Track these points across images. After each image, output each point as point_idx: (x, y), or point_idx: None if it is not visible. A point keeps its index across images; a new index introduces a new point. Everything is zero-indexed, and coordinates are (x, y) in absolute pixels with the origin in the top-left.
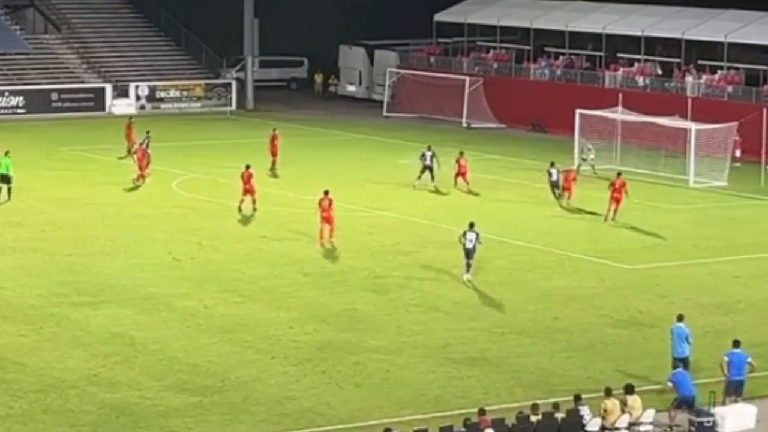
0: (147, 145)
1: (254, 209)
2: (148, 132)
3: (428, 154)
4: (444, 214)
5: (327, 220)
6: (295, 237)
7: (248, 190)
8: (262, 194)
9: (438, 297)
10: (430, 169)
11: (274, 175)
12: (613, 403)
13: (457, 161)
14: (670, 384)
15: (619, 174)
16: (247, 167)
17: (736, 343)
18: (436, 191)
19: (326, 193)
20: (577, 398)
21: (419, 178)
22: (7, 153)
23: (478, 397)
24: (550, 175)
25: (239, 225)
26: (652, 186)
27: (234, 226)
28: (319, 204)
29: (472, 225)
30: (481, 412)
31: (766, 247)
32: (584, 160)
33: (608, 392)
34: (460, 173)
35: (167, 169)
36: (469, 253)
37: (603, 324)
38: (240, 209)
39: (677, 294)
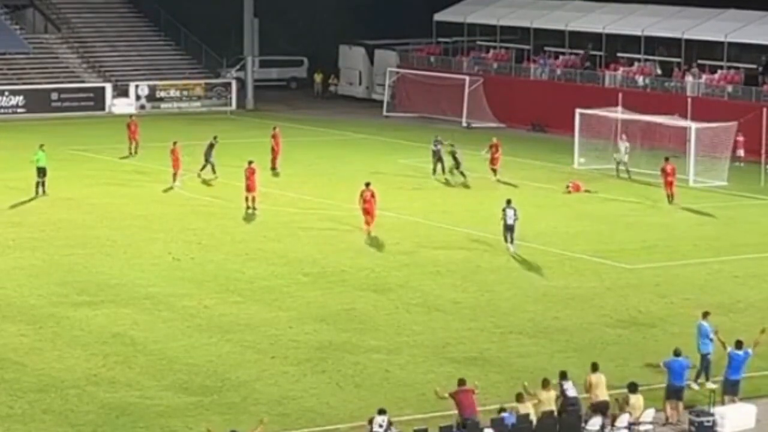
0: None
1: (253, 208)
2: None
3: (437, 144)
4: (443, 214)
5: (367, 211)
6: (295, 237)
7: (249, 188)
8: (262, 194)
9: (438, 297)
10: (441, 159)
11: (275, 175)
12: (597, 378)
13: (491, 146)
14: (662, 367)
15: (667, 159)
16: (250, 163)
17: (739, 344)
18: (447, 183)
19: (367, 185)
20: (563, 376)
21: (434, 171)
22: (41, 146)
23: (478, 396)
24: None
25: (239, 225)
26: (653, 186)
27: (234, 225)
28: (361, 195)
29: (509, 202)
30: (461, 382)
31: (766, 247)
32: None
33: (595, 368)
34: (493, 160)
35: (167, 169)
36: (511, 229)
37: (603, 324)
38: (248, 207)
39: (677, 294)
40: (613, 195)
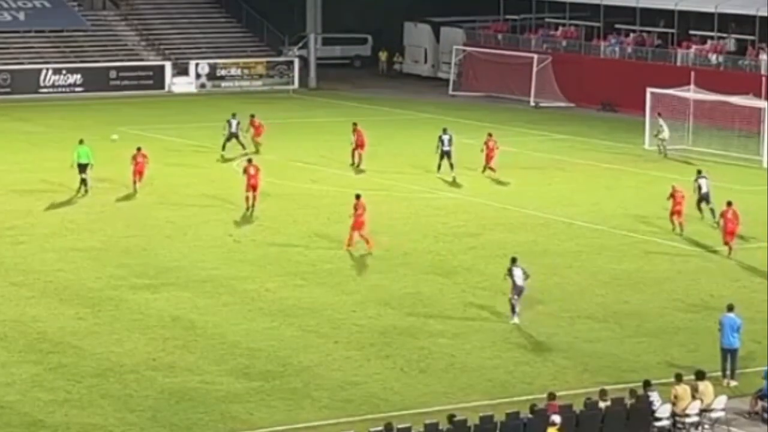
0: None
1: (253, 206)
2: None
3: (446, 138)
4: (510, 196)
5: (358, 225)
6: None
7: (253, 186)
8: (325, 175)
9: (504, 281)
10: (449, 156)
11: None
12: (683, 389)
13: (486, 143)
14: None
15: (729, 204)
16: (249, 161)
17: None
18: (453, 183)
19: (358, 197)
20: (647, 384)
21: (439, 168)
22: (81, 141)
23: (545, 382)
24: (700, 188)
25: (301, 206)
26: (725, 167)
27: (296, 207)
28: (355, 208)
29: (514, 260)
30: (551, 396)
31: None
32: (656, 136)
33: (678, 378)
34: (488, 157)
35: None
36: (519, 290)
37: (674, 308)
38: (248, 207)
39: (749, 277)
40: (683, 176)
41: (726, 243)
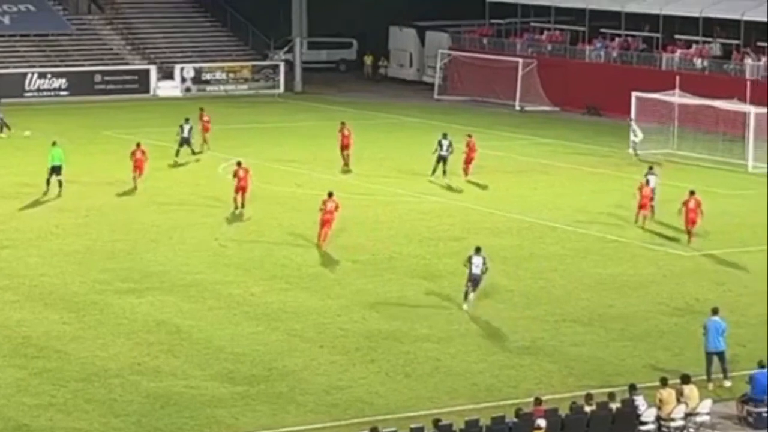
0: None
1: (242, 206)
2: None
3: (445, 143)
4: (495, 200)
5: (327, 222)
6: (343, 223)
7: (242, 187)
8: (310, 179)
9: (490, 284)
10: (445, 161)
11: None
12: (668, 393)
13: (467, 144)
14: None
15: (692, 193)
16: (239, 163)
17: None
18: (449, 188)
19: (330, 195)
20: (632, 388)
21: (434, 171)
22: (54, 143)
23: (530, 386)
24: (648, 183)
25: (286, 210)
26: (710, 171)
27: (281, 211)
28: (324, 204)
29: (478, 249)
30: (537, 401)
31: None
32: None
33: (664, 382)
34: (468, 160)
35: (213, 153)
36: (475, 280)
37: (659, 312)
38: (236, 207)
39: (734, 281)
40: (669, 180)
41: (687, 232)
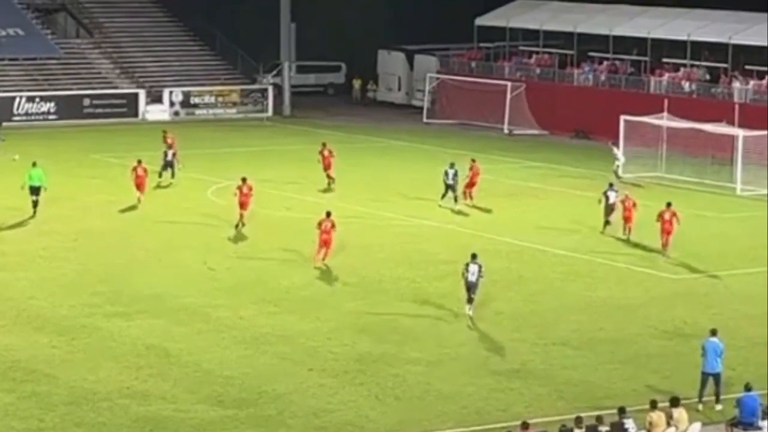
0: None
1: (242, 224)
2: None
3: (451, 172)
4: (485, 223)
5: (326, 242)
6: (333, 245)
7: (242, 203)
8: (299, 203)
9: (479, 307)
10: (453, 189)
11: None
12: (658, 416)
13: (471, 169)
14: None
15: (668, 204)
16: (244, 179)
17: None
18: (459, 213)
19: (328, 214)
20: (622, 411)
21: (443, 197)
22: (34, 164)
23: (520, 410)
24: (607, 198)
25: (276, 233)
26: (699, 194)
27: (270, 235)
28: (319, 224)
29: (474, 256)
30: (524, 426)
31: None
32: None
33: (653, 405)
34: (470, 184)
35: (202, 177)
36: (471, 287)
37: (648, 335)
38: (237, 225)
39: (724, 304)
40: (658, 203)
41: (663, 243)
